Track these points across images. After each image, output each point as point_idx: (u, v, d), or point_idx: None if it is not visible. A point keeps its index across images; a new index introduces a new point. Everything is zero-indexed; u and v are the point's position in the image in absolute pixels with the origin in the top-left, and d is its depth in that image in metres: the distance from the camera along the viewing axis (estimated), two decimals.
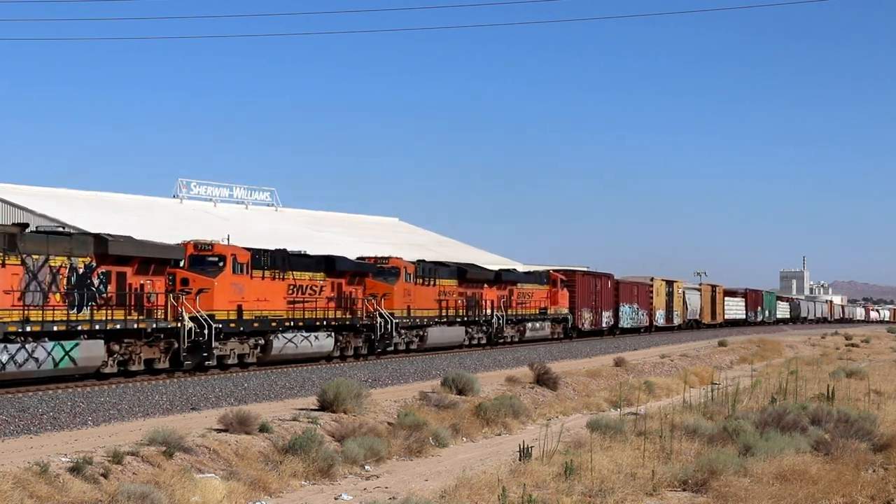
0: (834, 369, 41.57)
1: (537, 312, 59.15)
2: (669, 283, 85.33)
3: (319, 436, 19.67)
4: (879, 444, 20.92)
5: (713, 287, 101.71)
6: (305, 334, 37.02)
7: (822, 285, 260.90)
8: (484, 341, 52.29)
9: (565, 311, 63.06)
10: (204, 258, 33.39)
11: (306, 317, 37.24)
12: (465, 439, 23.89)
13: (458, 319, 49.37)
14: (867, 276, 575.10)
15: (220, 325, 32.34)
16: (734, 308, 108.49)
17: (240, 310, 33.82)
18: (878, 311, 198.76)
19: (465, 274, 50.57)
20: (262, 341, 35.06)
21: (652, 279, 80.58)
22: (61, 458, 15.88)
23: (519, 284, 57.17)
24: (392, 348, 42.73)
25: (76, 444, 17.71)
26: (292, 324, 36.33)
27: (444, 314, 48.05)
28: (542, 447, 19.36)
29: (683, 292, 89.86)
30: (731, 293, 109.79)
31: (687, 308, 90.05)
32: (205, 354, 31.90)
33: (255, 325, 34.57)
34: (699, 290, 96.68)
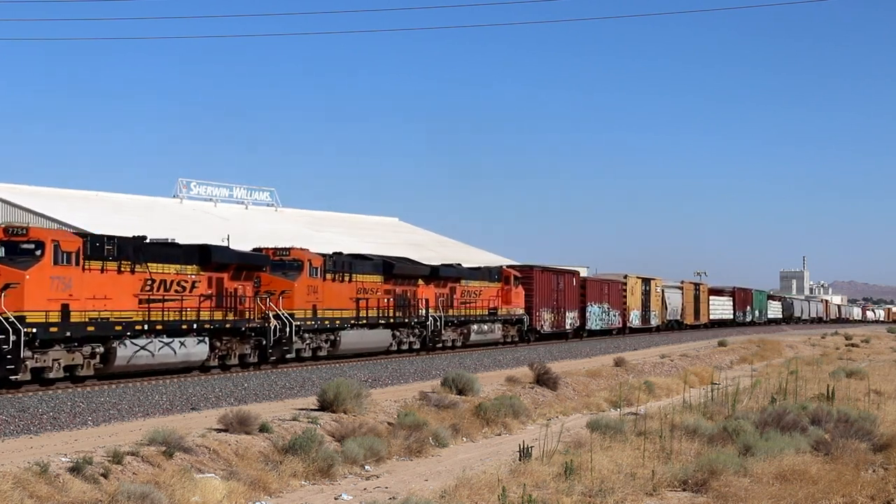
0: (834, 369, 41.57)
1: (486, 313, 52.24)
2: (646, 281, 79.34)
3: (319, 436, 19.67)
4: (879, 444, 20.92)
5: (696, 285, 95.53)
6: (166, 340, 30.53)
7: (822, 285, 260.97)
8: (417, 346, 45.71)
9: (520, 311, 56.24)
10: (16, 245, 26.79)
11: (168, 318, 30.75)
12: (465, 439, 23.89)
13: (383, 321, 42.70)
14: (867, 276, 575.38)
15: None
16: (720, 308, 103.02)
17: (65, 310, 26.99)
18: (873, 310, 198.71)
19: (391, 269, 43.63)
20: (100, 349, 28.45)
21: (626, 276, 74.80)
22: (61, 458, 15.87)
23: (463, 281, 50.37)
24: (292, 355, 36.74)
25: (76, 444, 17.70)
26: (145, 327, 29.82)
27: (363, 315, 41.19)
28: (542, 447, 19.36)
29: (662, 291, 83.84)
30: (717, 292, 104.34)
31: (666, 308, 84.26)
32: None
33: (90, 329, 27.79)
34: (680, 288, 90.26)
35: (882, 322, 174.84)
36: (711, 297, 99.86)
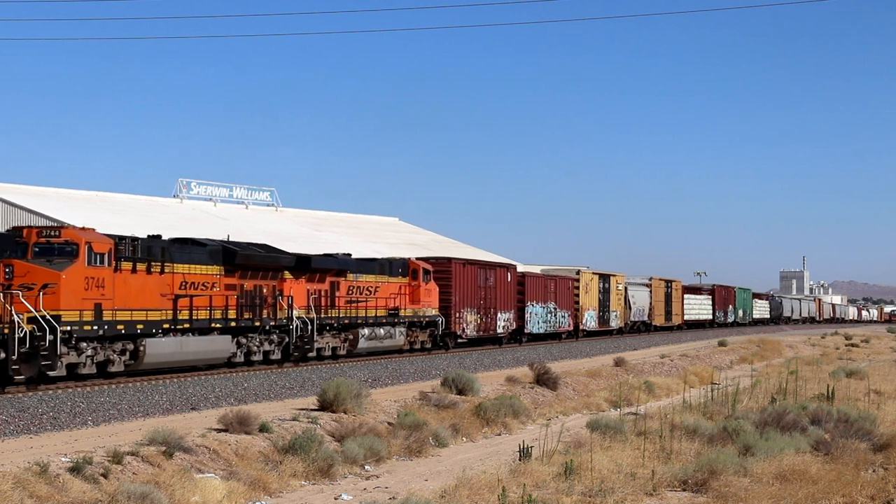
0: (834, 369, 41.58)
1: (385, 314, 42.07)
2: (604, 278, 70.36)
3: (319, 436, 19.68)
4: (879, 444, 20.92)
5: (668, 282, 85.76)
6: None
7: (822, 285, 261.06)
8: (277, 356, 35.93)
9: (433, 311, 45.90)
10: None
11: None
12: (465, 439, 23.90)
13: (221, 325, 32.63)
14: (867, 276, 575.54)
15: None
16: (697, 307, 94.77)
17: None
18: (867, 310, 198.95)
19: (233, 257, 33.27)
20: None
21: (578, 272, 66.05)
22: (61, 458, 15.88)
23: (351, 275, 40.36)
24: (55, 371, 26.36)
25: (76, 444, 17.71)
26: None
27: (185, 318, 31.00)
28: (542, 447, 19.37)
29: (625, 288, 74.78)
30: (693, 290, 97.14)
31: (630, 308, 75.44)
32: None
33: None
34: (648, 285, 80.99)
35: (875, 322, 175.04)
36: (687, 296, 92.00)
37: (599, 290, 68.85)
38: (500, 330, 53.51)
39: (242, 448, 18.62)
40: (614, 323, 71.83)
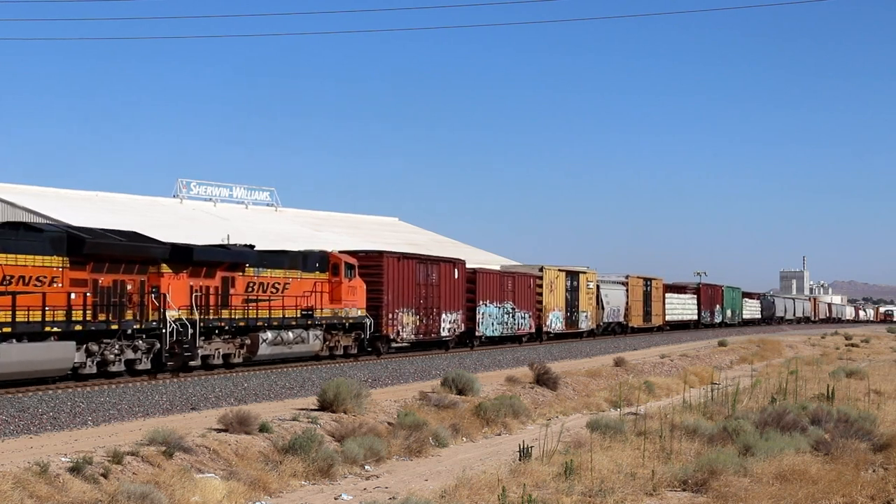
0: (834, 369, 41.60)
1: (296, 315, 35.79)
2: (572, 275, 63.80)
3: (319, 436, 19.68)
4: (879, 444, 20.93)
5: (647, 280, 79.13)
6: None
7: (822, 285, 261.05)
8: (146, 366, 29.88)
9: (358, 312, 39.67)
10: None
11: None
12: (465, 439, 23.90)
13: (60, 328, 26.52)
14: (867, 276, 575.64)
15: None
16: (681, 307, 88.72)
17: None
18: (864, 310, 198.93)
19: (81, 246, 27.40)
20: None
21: (541, 268, 59.80)
22: (61, 458, 15.88)
23: (250, 270, 33.89)
24: None
25: (76, 444, 17.71)
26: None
27: (2, 320, 25.13)
28: (542, 447, 19.37)
29: (597, 287, 68.30)
30: (677, 288, 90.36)
31: (603, 308, 69.15)
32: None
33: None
34: (625, 283, 74.52)
35: (871, 322, 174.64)
36: (669, 295, 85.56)
37: (567, 289, 62.29)
38: (444, 332, 46.86)
39: (242, 448, 18.62)
40: (584, 324, 65.09)
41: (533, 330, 57.69)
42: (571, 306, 63.27)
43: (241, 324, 33.30)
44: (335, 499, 16.97)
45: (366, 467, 19.54)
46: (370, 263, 41.90)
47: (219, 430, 19.32)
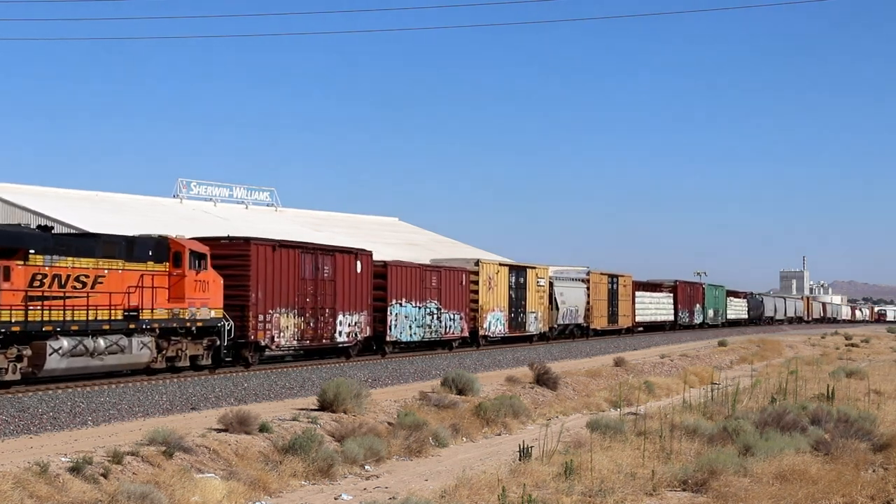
0: (834, 369, 41.62)
1: (112, 317, 27.84)
2: (517, 270, 55.95)
3: (319, 436, 19.69)
4: (879, 444, 20.94)
5: (613, 277, 70.55)
6: None
7: (822, 285, 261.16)
8: None
9: (211, 312, 31.50)
10: None
11: None
12: (465, 439, 23.90)
13: None
14: (867, 276, 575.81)
15: None
16: (654, 307, 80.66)
17: None
18: (861, 310, 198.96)
19: None
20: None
21: (477, 262, 51.66)
22: (61, 458, 15.88)
23: (38, 258, 25.99)
24: None
25: (76, 444, 17.71)
26: None
27: None
28: (541, 447, 19.37)
29: (551, 284, 60.33)
30: (650, 286, 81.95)
31: (558, 308, 60.66)
32: None
33: None
34: (585, 281, 66.04)
35: (867, 322, 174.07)
36: (640, 294, 77.31)
37: (511, 286, 54.21)
38: (342, 338, 38.77)
39: (242, 448, 18.62)
40: (533, 327, 57.12)
41: (466, 333, 49.20)
42: (517, 306, 54.92)
43: (16, 329, 25.25)
44: (335, 499, 16.98)
45: (366, 467, 19.55)
46: (232, 253, 33.75)
47: (219, 430, 19.33)
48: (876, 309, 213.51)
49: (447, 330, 47.41)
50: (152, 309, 29.24)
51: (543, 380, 32.14)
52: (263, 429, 19.73)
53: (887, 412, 26.42)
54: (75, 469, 15.23)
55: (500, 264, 54.72)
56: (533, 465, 17.95)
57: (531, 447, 19.05)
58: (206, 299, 31.45)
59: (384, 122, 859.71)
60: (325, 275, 37.87)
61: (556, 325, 60.71)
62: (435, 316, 46.13)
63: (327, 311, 37.93)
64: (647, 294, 79.73)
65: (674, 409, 26.05)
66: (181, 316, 30.38)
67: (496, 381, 31.99)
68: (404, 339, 43.96)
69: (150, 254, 29.71)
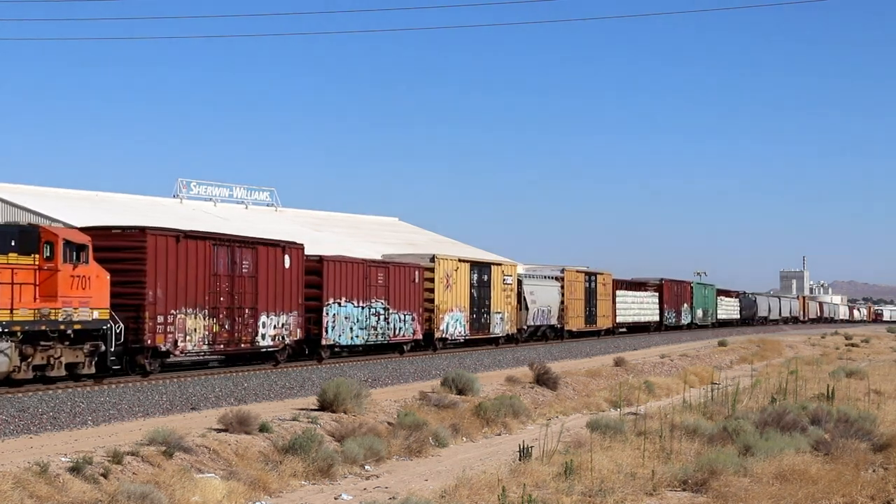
0: (834, 369, 41.63)
1: None
2: (480, 267, 51.76)
3: (319, 436, 19.70)
4: (879, 444, 20.94)
5: (590, 275, 66.44)
6: None
7: (822, 285, 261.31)
8: None
9: (96, 313, 27.50)
10: None
11: None
12: (465, 439, 23.91)
13: None
14: (867, 276, 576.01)
15: None
16: (638, 307, 76.80)
17: None
18: (858, 310, 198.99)
19: None
20: None
21: (433, 258, 47.26)
22: (61, 458, 15.89)
23: None
24: None
25: (76, 444, 17.72)
26: None
27: None
28: (541, 447, 19.37)
29: (520, 282, 56.07)
30: (633, 285, 78.04)
31: (527, 308, 56.60)
32: None
33: None
34: (559, 279, 61.83)
35: (864, 322, 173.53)
36: (622, 293, 73.43)
37: (473, 284, 50.16)
38: (265, 341, 34.51)
39: (242, 448, 18.63)
40: (499, 328, 52.87)
41: (419, 336, 44.97)
42: (479, 306, 50.72)
43: None
44: (335, 499, 16.98)
45: (366, 467, 19.55)
46: (125, 244, 29.70)
47: (219, 430, 19.33)
48: (873, 308, 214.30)
49: (397, 332, 43.17)
50: (12, 309, 24.94)
51: (543, 380, 32.15)
52: (263, 429, 19.74)
53: (887, 412, 26.43)
54: (75, 469, 15.23)
55: (461, 260, 50.39)
56: (533, 465, 17.95)
57: (531, 447, 19.06)
58: (86, 298, 27.22)
59: (384, 123, 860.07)
60: (245, 270, 33.56)
61: (525, 327, 56.63)
62: (382, 317, 42.00)
63: (247, 311, 33.65)
64: (630, 293, 75.71)
65: (674, 408, 26.05)
66: (53, 317, 26.10)
67: (496, 380, 32.00)
68: (344, 343, 39.79)
69: (13, 244, 25.57)
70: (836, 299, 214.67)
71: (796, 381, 32.30)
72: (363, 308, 40.79)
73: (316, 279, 38.14)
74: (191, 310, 31.04)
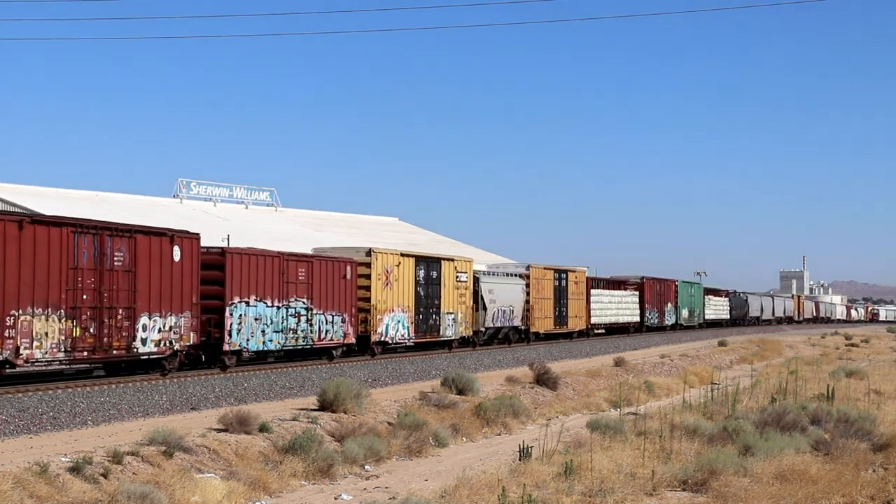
0: (834, 369, 41.62)
1: None
2: (428, 262, 46.45)
3: (319, 436, 19.70)
4: (879, 444, 20.94)
5: (560, 273, 61.51)
6: None
7: (822, 285, 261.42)
8: None
9: None
10: None
11: None
12: (465, 439, 23.91)
13: None
14: (867, 276, 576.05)
15: None
16: (615, 307, 71.62)
17: None
18: (856, 309, 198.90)
19: None
20: None
21: (370, 251, 41.76)
22: (61, 458, 15.89)
23: None
24: None
25: (76, 444, 17.72)
26: None
27: None
28: (541, 447, 19.38)
29: (476, 280, 50.96)
30: (611, 284, 72.45)
31: (485, 308, 51.42)
32: None
33: None
34: (523, 276, 56.80)
35: (862, 322, 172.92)
36: (597, 292, 68.45)
37: (419, 282, 45.14)
38: (147, 347, 29.30)
39: (242, 448, 18.63)
40: (451, 330, 47.80)
41: (352, 339, 40.18)
42: (427, 306, 45.82)
43: None
44: (335, 499, 16.98)
45: (366, 467, 19.55)
46: None
47: (219, 430, 19.34)
48: (870, 308, 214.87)
49: (323, 335, 38.15)
50: None
51: (543, 380, 32.15)
52: (263, 429, 19.74)
53: (887, 412, 26.42)
54: (75, 469, 15.24)
55: (403, 254, 44.83)
56: (533, 465, 17.95)
57: (531, 447, 19.06)
58: None
59: (384, 123, 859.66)
60: (118, 263, 28.39)
61: (483, 329, 51.74)
62: (303, 318, 36.99)
63: (121, 311, 28.39)
64: (607, 292, 70.27)
65: (674, 408, 26.05)
66: None
67: (496, 381, 32.00)
68: (254, 348, 34.64)
69: None
70: (837, 299, 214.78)
71: (796, 381, 32.29)
72: (279, 308, 35.72)
73: (218, 275, 33.10)
74: (40, 310, 25.86)
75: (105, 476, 15.43)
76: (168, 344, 30.23)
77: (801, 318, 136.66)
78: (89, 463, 15.54)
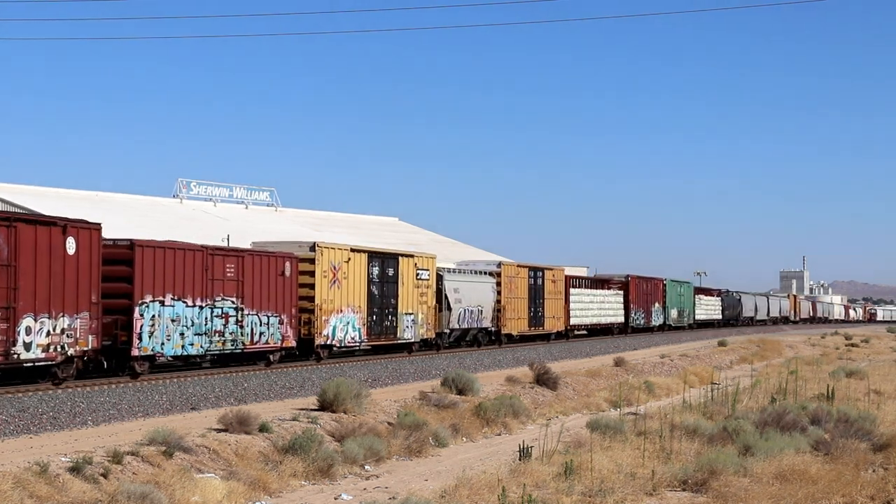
0: (834, 369, 41.64)
1: None
2: (383, 258, 42.84)
3: (319, 436, 19.70)
4: (879, 444, 20.95)
5: (536, 270, 58.47)
6: None
7: (822, 285, 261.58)
8: None
9: None
10: None
11: None
12: (465, 439, 23.91)
13: None
14: (867, 276, 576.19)
15: None
16: (597, 307, 68.20)
17: None
18: (854, 309, 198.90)
19: None
20: None
21: (314, 246, 38.21)
22: (61, 457, 15.89)
23: None
24: None
25: (76, 444, 17.73)
26: None
27: None
28: (541, 447, 19.38)
29: (440, 278, 47.72)
30: (593, 282, 69.58)
31: (450, 308, 48.04)
32: None
33: None
34: (494, 274, 53.42)
35: (860, 322, 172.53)
36: (577, 291, 64.98)
37: (372, 280, 41.57)
38: (29, 352, 25.32)
39: (242, 448, 18.64)
40: (411, 332, 44.36)
41: (292, 343, 36.49)
42: (382, 306, 42.34)
43: None
44: (335, 499, 16.99)
45: (366, 467, 19.56)
46: None
47: (219, 430, 19.34)
48: (868, 308, 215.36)
49: (256, 338, 34.36)
50: None
51: (543, 380, 32.16)
52: (263, 429, 19.74)
53: (887, 412, 26.44)
54: (75, 469, 15.24)
55: (354, 249, 41.06)
56: (533, 465, 17.96)
57: (531, 447, 19.06)
58: None
59: (384, 123, 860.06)
60: None
61: (447, 330, 48.27)
62: (233, 319, 33.27)
63: None
64: (588, 291, 66.94)
65: (674, 408, 26.06)
66: None
67: (496, 381, 32.01)
68: (169, 353, 31.00)
69: None
70: (837, 299, 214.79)
71: (796, 381, 32.30)
72: (202, 308, 31.98)
73: (126, 270, 29.46)
74: None
75: (105, 476, 15.44)
76: (60, 349, 26.22)
77: (798, 319, 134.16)
78: (89, 463, 15.55)
